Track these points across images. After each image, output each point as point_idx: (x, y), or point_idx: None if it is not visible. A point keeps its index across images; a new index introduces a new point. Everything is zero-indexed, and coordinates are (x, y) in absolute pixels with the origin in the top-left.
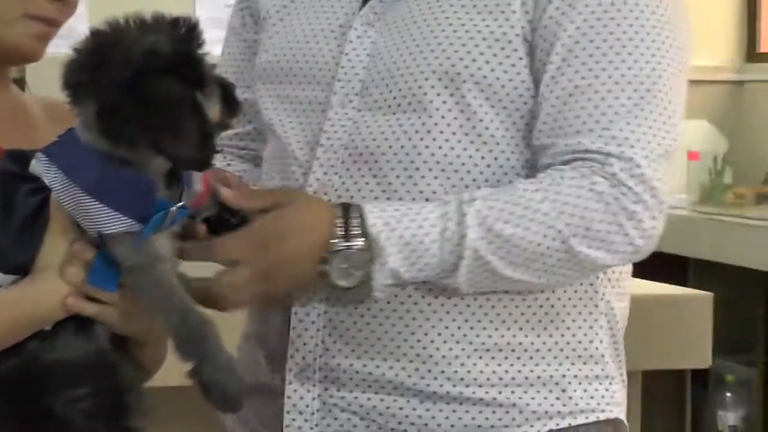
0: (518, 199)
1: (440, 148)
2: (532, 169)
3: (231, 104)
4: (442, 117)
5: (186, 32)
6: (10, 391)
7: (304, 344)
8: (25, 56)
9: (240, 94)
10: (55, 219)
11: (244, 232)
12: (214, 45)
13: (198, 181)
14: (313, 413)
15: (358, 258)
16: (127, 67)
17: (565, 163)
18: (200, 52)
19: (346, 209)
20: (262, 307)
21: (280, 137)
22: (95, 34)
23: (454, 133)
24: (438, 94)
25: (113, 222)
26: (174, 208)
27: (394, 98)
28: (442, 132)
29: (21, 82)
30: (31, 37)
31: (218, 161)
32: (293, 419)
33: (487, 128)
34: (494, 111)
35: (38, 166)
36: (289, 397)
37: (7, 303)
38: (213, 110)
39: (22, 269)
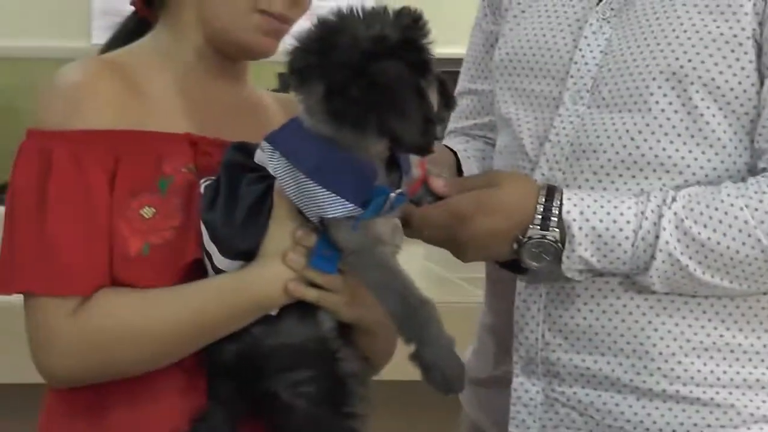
0: (719, 204)
1: (664, 149)
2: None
3: (447, 98)
4: (668, 118)
5: (412, 22)
6: (234, 373)
7: (526, 338)
8: (256, 52)
9: (480, 85)
10: (278, 206)
11: (447, 202)
12: None
13: (416, 166)
14: (536, 406)
15: (551, 246)
16: (356, 51)
17: None
18: (425, 41)
19: (551, 194)
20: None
21: (514, 130)
22: (322, 22)
23: (679, 135)
24: (664, 95)
25: (335, 206)
26: (393, 194)
27: (621, 96)
28: (666, 133)
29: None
30: (261, 33)
31: (457, 142)
32: (518, 411)
33: (713, 131)
34: (722, 113)
35: (262, 155)
36: (515, 390)
37: (232, 288)
38: (432, 99)
39: (246, 255)
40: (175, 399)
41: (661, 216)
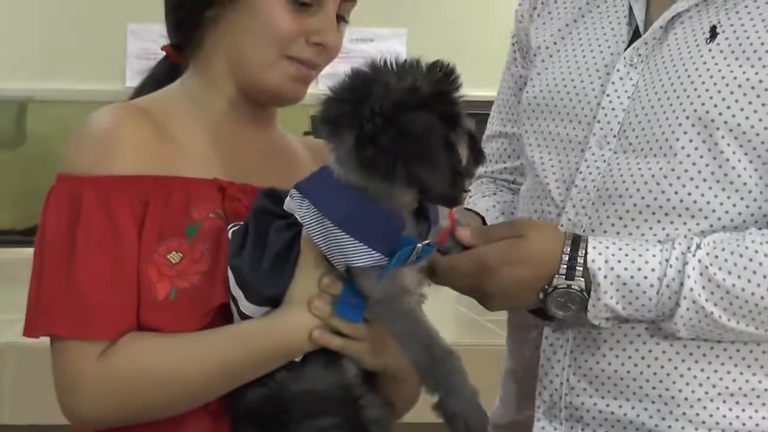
0: (744, 251)
1: (690, 194)
2: None
3: (476, 153)
4: (693, 163)
5: (444, 75)
6: (258, 419)
7: (551, 382)
8: (285, 98)
9: (510, 128)
10: (305, 253)
11: (474, 252)
12: None
13: (445, 216)
14: None
15: (577, 296)
16: (387, 101)
17: None
18: (456, 95)
19: (576, 243)
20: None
21: (539, 175)
22: (355, 73)
23: (705, 180)
24: (690, 141)
25: (361, 256)
26: (420, 245)
27: (647, 142)
28: (692, 178)
29: None
30: (289, 79)
31: (485, 190)
32: None
33: (739, 176)
34: (748, 158)
35: (291, 202)
36: None
37: (257, 334)
38: (462, 153)
39: (273, 301)
40: None
41: (685, 263)
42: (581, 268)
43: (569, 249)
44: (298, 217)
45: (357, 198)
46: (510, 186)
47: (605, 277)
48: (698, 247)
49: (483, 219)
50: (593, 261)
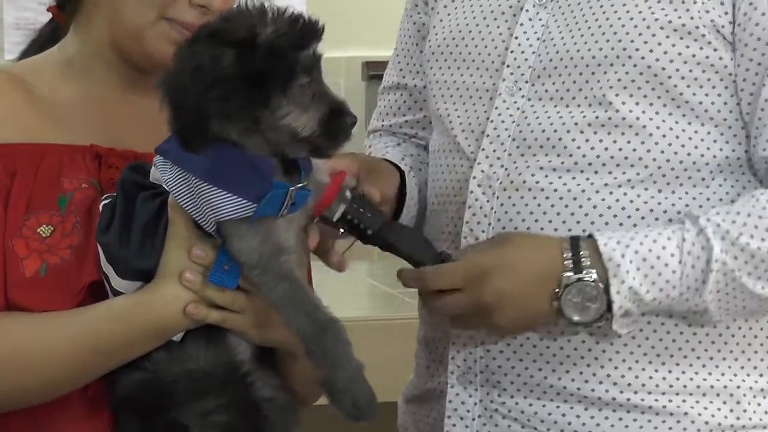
0: (762, 211)
1: (614, 142)
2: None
3: (332, 130)
4: (616, 111)
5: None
6: (136, 406)
7: (464, 345)
8: (165, 63)
9: (410, 80)
10: (173, 222)
11: (464, 258)
12: None
13: (322, 173)
14: (474, 419)
15: (593, 289)
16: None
17: None
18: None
19: (575, 239)
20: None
21: (447, 127)
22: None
23: (630, 126)
24: (625, 87)
25: (230, 206)
26: (293, 188)
27: (568, 90)
28: (617, 126)
29: None
30: (169, 42)
31: (388, 141)
32: (454, 424)
33: (664, 121)
34: (675, 104)
35: (155, 170)
36: (450, 401)
37: (128, 309)
38: (307, 115)
39: (146, 275)
40: (80, 427)
41: (702, 228)
42: (588, 260)
43: (568, 245)
44: (163, 182)
45: (220, 147)
46: (411, 141)
47: (623, 256)
48: (707, 217)
49: (398, 167)
50: (605, 245)
